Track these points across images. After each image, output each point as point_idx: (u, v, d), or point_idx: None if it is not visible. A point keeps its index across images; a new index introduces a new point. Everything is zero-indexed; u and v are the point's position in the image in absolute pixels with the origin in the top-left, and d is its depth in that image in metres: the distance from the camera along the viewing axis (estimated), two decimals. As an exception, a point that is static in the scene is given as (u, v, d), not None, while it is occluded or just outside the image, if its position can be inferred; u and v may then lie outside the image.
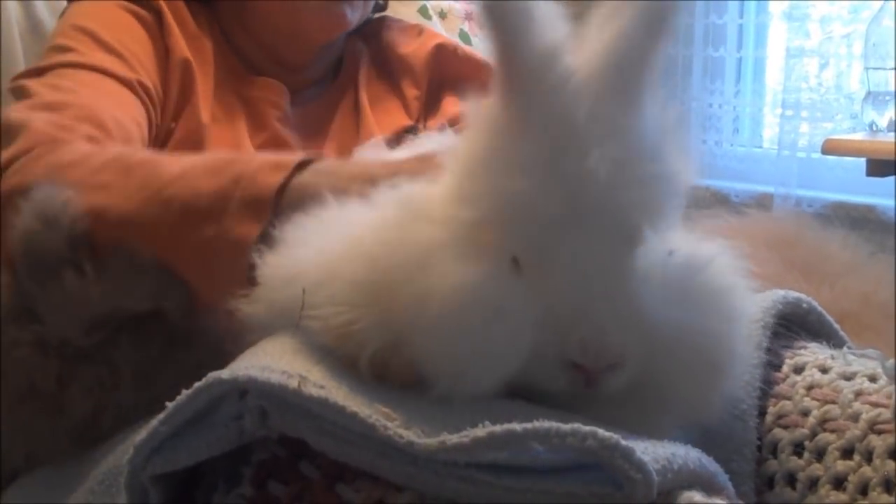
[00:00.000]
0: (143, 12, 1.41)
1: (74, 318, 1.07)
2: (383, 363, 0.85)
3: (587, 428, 0.76)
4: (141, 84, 1.34)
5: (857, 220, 2.74)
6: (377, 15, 1.67)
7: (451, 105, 1.56)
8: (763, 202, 2.97)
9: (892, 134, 2.62)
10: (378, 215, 0.91)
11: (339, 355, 0.87)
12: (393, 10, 1.95)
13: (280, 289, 0.95)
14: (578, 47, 0.85)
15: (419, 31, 1.66)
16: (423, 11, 2.09)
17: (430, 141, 1.22)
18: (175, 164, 1.12)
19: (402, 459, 0.79)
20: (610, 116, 0.83)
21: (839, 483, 0.91)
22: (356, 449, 0.80)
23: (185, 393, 0.86)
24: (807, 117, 3.00)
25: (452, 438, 0.76)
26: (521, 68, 0.83)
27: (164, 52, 1.40)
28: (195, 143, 1.38)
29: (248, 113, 1.46)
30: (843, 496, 0.90)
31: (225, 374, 0.84)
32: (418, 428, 0.78)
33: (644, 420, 0.87)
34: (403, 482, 0.79)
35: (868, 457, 0.90)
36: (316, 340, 0.89)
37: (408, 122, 1.53)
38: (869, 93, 2.72)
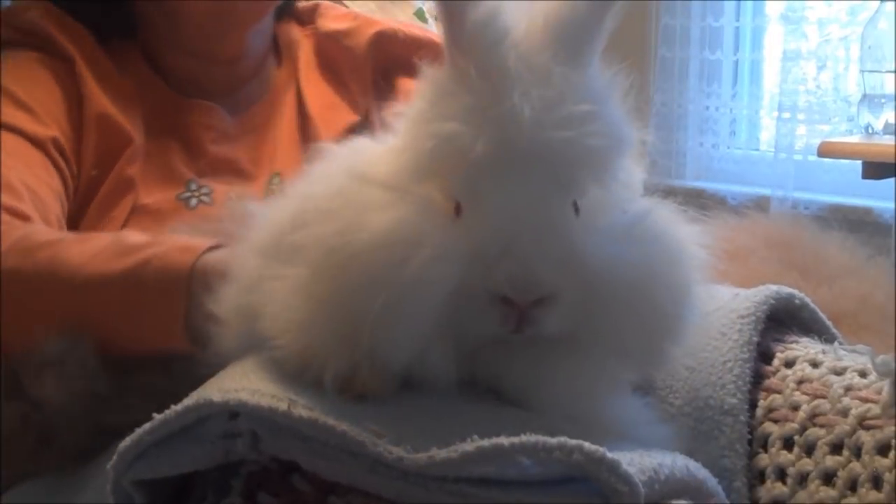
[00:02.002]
0: (56, 63, 1.37)
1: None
2: (347, 380, 0.85)
3: (573, 442, 0.76)
4: (54, 141, 1.30)
5: (853, 222, 2.75)
6: (311, 2, 1.60)
7: (407, 86, 1.49)
8: (760, 205, 2.98)
9: (888, 136, 2.63)
10: (327, 186, 0.92)
11: (307, 379, 0.87)
12: (388, 13, 1.95)
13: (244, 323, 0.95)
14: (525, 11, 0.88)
15: (354, 17, 1.60)
16: (420, 14, 2.09)
17: None
18: (80, 245, 1.12)
19: (391, 475, 0.79)
20: (541, 63, 0.85)
21: (829, 479, 0.91)
22: (347, 467, 0.81)
23: (174, 408, 0.86)
24: (803, 120, 3.01)
25: (441, 453, 0.77)
26: (463, 26, 0.85)
27: (77, 101, 1.35)
28: (124, 190, 1.34)
29: (182, 142, 1.42)
30: (832, 492, 0.90)
31: (216, 396, 0.85)
32: (408, 443, 0.79)
33: (593, 367, 0.86)
34: (394, 497, 0.80)
35: (857, 452, 0.90)
36: (283, 369, 0.89)
37: (354, 117, 1.49)
38: (865, 95, 2.73)
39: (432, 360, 0.84)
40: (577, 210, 0.86)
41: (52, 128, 1.31)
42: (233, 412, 0.84)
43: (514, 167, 0.84)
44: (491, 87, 0.84)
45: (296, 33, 1.56)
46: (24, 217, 1.19)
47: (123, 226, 1.32)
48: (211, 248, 1.08)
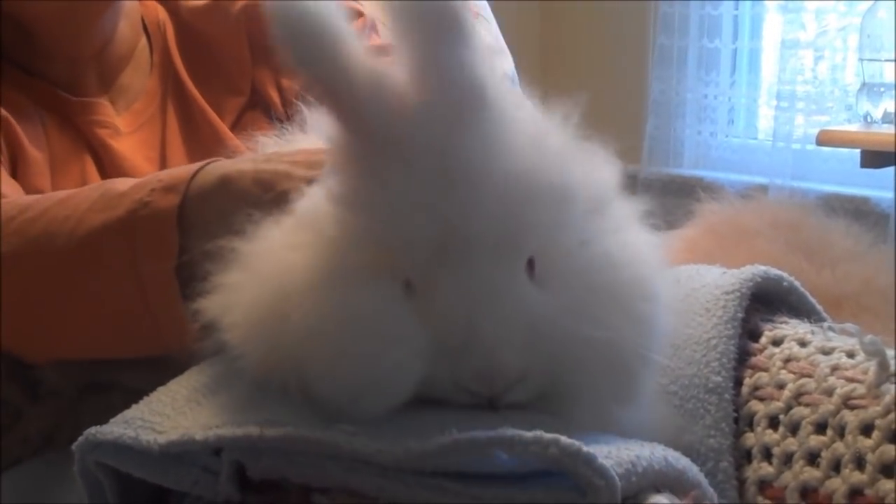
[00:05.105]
0: None
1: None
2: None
3: (549, 436, 0.75)
4: None
5: (851, 211, 2.74)
6: None
7: None
8: (757, 193, 2.97)
9: (887, 125, 2.62)
10: (281, 236, 0.89)
11: (274, 387, 0.86)
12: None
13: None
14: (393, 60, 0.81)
15: None
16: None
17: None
18: (62, 207, 1.07)
19: (371, 472, 0.79)
20: (465, 148, 0.79)
21: (813, 459, 0.90)
22: (329, 471, 0.81)
23: (156, 441, 0.85)
24: (802, 109, 3.01)
25: (418, 445, 0.77)
26: (349, 101, 0.80)
27: None
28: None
29: (88, 147, 1.36)
30: (816, 472, 0.89)
31: (198, 434, 0.84)
32: (385, 438, 0.78)
33: (567, 413, 0.84)
34: (375, 494, 0.80)
35: (840, 432, 0.89)
36: (249, 377, 0.88)
37: (239, 99, 1.42)
38: (864, 84, 2.73)
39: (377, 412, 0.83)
40: (532, 266, 0.82)
41: None
42: (215, 449, 0.84)
43: (462, 248, 0.80)
44: (419, 176, 0.80)
45: (160, 13, 1.46)
46: None
47: None
48: (201, 168, 1.04)
